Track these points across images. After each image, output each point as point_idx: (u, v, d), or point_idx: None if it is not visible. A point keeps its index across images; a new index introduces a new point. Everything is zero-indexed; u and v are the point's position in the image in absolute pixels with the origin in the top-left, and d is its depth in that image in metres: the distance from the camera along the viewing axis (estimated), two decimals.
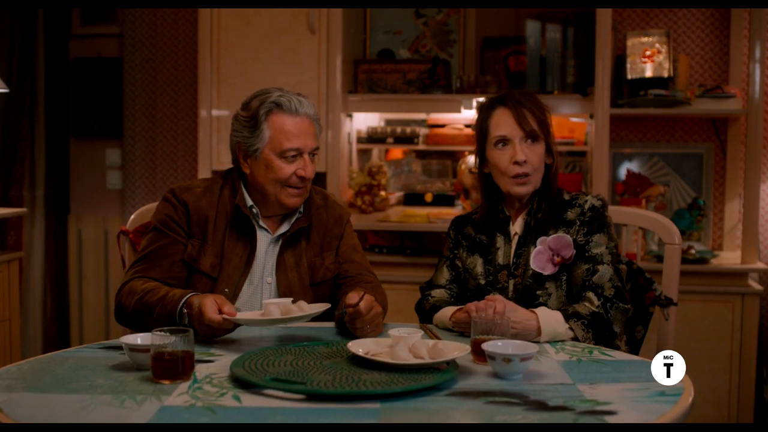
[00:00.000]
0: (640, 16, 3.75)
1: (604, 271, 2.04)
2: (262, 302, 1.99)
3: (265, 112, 2.05)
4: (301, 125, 2.06)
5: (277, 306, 1.84)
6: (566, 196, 2.16)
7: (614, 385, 1.57)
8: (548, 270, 2.07)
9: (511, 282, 2.11)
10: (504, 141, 2.10)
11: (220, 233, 2.09)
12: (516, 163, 2.08)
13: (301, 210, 2.16)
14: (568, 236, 2.08)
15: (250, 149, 2.08)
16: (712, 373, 3.29)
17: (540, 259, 2.08)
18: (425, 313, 2.18)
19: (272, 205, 2.12)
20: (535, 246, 2.09)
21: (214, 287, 2.07)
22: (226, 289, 2.07)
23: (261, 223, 2.13)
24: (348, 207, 2.97)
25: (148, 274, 2.04)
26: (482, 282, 2.15)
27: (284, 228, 2.15)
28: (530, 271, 2.08)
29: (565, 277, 2.08)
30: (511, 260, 2.13)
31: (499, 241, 2.16)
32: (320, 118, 2.26)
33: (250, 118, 2.07)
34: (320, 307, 1.87)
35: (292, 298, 1.93)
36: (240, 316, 1.84)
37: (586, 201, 2.12)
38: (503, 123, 2.10)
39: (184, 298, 1.89)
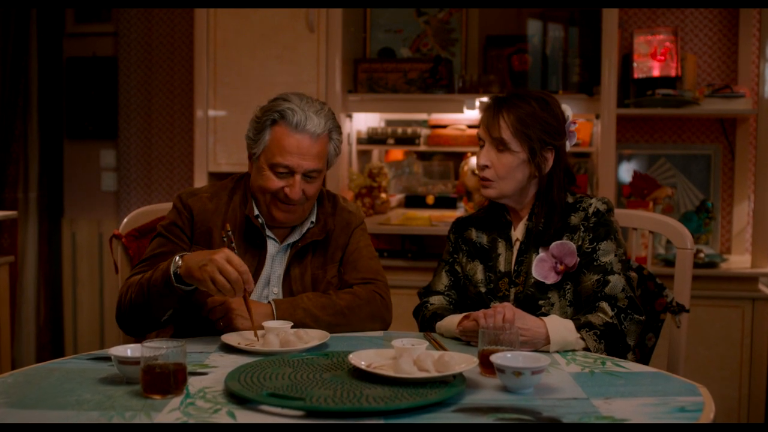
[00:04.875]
0: (646, 14, 3.68)
1: (616, 281, 1.95)
2: (262, 323, 1.91)
3: (269, 120, 1.98)
4: (300, 144, 1.95)
5: (276, 334, 1.80)
6: (570, 199, 2.06)
7: (631, 399, 1.48)
8: (550, 279, 1.98)
9: (513, 290, 2.03)
10: (482, 141, 2.04)
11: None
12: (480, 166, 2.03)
13: (314, 220, 2.08)
14: (572, 243, 1.98)
15: (251, 150, 2.03)
16: (722, 380, 3.21)
17: (542, 267, 1.99)
18: (425, 321, 2.09)
19: (265, 214, 2.04)
20: (537, 253, 2.01)
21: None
22: None
23: (268, 232, 2.05)
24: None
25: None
26: (482, 290, 2.06)
27: (294, 237, 2.07)
28: (532, 280, 1.99)
29: (568, 286, 2.00)
30: (513, 267, 2.04)
31: (501, 246, 2.07)
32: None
33: (258, 121, 2.00)
34: (320, 338, 1.82)
35: (291, 323, 1.87)
36: (236, 337, 1.84)
37: (591, 204, 2.02)
38: (482, 124, 2.04)
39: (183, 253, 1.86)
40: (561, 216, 2.02)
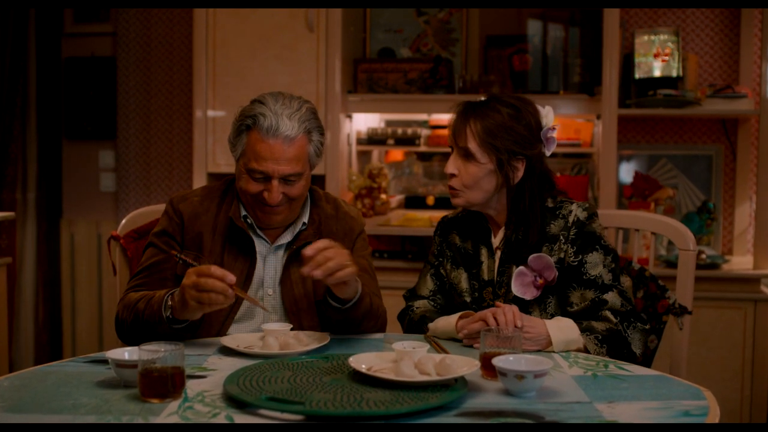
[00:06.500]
0: (647, 14, 3.66)
1: (613, 299, 1.91)
2: (261, 326, 1.89)
3: (244, 125, 1.94)
4: (273, 149, 1.89)
5: (276, 337, 1.78)
6: (550, 203, 1.99)
7: (634, 403, 1.46)
8: (529, 295, 1.93)
9: (496, 302, 1.98)
10: (451, 148, 1.99)
11: (218, 246, 1.99)
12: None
13: (306, 221, 2.05)
14: (549, 257, 1.92)
15: (232, 153, 1.99)
16: (724, 382, 3.19)
17: (521, 282, 1.94)
18: (413, 325, 2.06)
19: (254, 216, 2.01)
20: (518, 265, 1.96)
21: None
22: None
23: (258, 232, 2.02)
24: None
25: (143, 289, 1.97)
26: (468, 299, 2.02)
27: (286, 238, 2.03)
28: (512, 294, 1.95)
29: (549, 300, 1.95)
30: (495, 277, 2.00)
31: (483, 254, 2.03)
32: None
33: (235, 125, 1.97)
34: (319, 341, 1.81)
35: (291, 326, 1.85)
36: (235, 339, 1.82)
37: (571, 212, 1.95)
38: (450, 130, 1.98)
39: (170, 292, 1.84)
40: (539, 229, 1.96)
